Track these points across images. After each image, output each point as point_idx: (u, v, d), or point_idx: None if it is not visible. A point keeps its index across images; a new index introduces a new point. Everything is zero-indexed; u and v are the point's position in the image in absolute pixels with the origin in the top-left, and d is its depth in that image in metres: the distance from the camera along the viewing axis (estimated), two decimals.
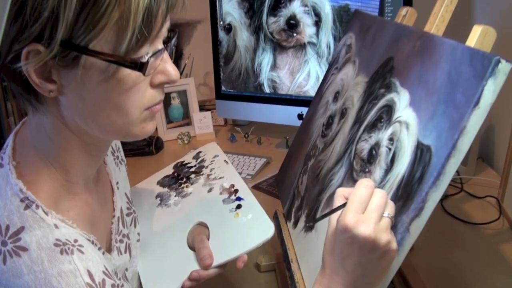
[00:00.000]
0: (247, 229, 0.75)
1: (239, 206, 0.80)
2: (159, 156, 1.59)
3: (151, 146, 1.59)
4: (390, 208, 0.55)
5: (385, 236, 0.53)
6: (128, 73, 0.52)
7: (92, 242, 0.58)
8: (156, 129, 1.70)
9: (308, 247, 0.73)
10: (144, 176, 0.98)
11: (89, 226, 0.61)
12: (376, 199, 0.54)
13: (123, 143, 1.61)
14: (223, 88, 1.66)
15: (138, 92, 0.54)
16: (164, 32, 0.55)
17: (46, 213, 0.54)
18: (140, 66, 0.51)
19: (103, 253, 0.61)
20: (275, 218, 0.93)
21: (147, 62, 0.52)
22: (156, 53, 0.53)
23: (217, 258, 0.73)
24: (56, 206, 0.57)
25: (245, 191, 0.83)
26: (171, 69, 0.56)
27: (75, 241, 0.54)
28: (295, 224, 0.82)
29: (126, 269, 0.72)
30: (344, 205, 0.56)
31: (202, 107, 1.85)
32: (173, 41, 0.59)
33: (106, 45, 0.49)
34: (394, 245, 0.53)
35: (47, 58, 0.49)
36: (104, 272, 0.55)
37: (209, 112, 1.72)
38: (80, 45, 0.49)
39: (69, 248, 0.53)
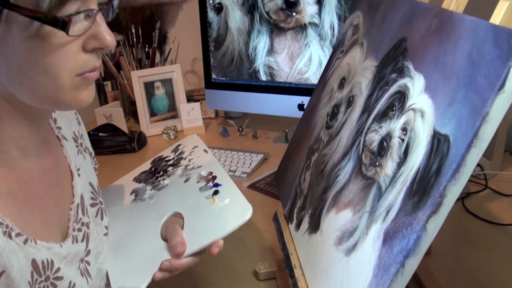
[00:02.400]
0: (223, 213, 0.78)
1: (216, 192, 0.82)
2: (142, 153, 1.60)
3: (133, 143, 1.59)
4: None
5: None
6: (52, 32, 0.55)
7: (7, 226, 0.58)
8: (139, 123, 1.71)
9: (313, 250, 0.74)
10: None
11: (16, 207, 0.62)
12: None
13: (99, 141, 1.61)
14: (213, 76, 1.66)
15: (67, 55, 0.57)
16: None
17: None
18: (63, 25, 0.54)
19: (26, 241, 0.61)
20: (275, 220, 0.94)
21: (70, 20, 0.54)
22: (85, 12, 0.56)
23: (190, 246, 0.75)
24: None
25: (223, 177, 0.85)
26: (105, 34, 0.59)
27: None
28: (298, 226, 0.82)
29: (88, 262, 0.74)
30: None
31: (190, 98, 1.86)
32: (114, 6, 0.62)
33: (29, 0, 0.52)
34: None
35: None
36: None
37: (198, 103, 1.73)
38: None
39: None
